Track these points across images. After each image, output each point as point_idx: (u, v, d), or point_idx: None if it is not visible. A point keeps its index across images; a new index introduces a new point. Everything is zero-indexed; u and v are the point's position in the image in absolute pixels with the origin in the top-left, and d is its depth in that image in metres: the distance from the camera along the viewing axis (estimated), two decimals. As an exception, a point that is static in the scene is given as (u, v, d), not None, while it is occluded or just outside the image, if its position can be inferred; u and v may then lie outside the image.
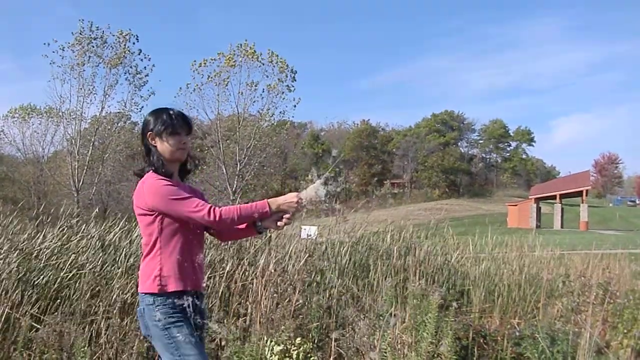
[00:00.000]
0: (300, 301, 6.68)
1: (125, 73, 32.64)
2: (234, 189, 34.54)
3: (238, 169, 35.29)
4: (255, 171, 37.98)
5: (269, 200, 3.63)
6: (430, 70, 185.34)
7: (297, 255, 7.60)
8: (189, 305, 3.49)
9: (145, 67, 33.18)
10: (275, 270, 6.90)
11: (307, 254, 7.68)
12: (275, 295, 6.66)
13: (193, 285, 3.63)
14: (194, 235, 3.68)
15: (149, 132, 3.70)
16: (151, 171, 3.65)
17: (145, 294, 3.56)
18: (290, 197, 3.63)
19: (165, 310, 3.50)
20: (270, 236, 8.44)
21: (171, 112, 3.72)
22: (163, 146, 3.67)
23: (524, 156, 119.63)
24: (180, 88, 35.40)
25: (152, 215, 3.55)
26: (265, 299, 6.62)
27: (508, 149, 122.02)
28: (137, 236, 7.70)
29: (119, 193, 44.52)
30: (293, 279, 6.86)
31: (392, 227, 9.05)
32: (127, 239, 7.64)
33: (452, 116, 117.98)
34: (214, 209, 3.45)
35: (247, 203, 3.66)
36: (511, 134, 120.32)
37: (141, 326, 3.66)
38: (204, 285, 3.94)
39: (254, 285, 6.58)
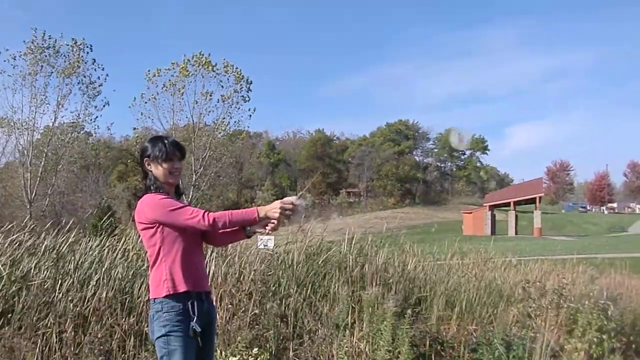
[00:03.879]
0: (257, 311, 6.63)
1: (78, 83, 32.17)
2: (189, 200, 34.24)
3: (194, 179, 35.03)
4: (211, 181, 37.80)
5: (257, 207, 3.93)
6: (388, 78, 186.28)
7: (253, 265, 7.55)
8: (192, 308, 3.86)
9: (99, 77, 32.77)
10: (229, 280, 6.85)
11: (263, 264, 7.64)
12: (230, 306, 6.60)
13: (197, 286, 3.95)
14: (193, 241, 4.02)
15: (146, 158, 4.07)
16: (149, 193, 3.99)
17: (155, 299, 3.90)
18: (276, 205, 3.89)
19: (170, 317, 3.83)
20: (227, 247, 8.38)
21: (166, 140, 4.11)
22: (158, 170, 4.04)
23: (478, 164, 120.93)
24: (135, 98, 35.04)
25: (153, 227, 3.90)
26: (221, 310, 6.56)
27: (462, 157, 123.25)
28: (91, 248, 7.59)
29: (73, 204, 43.93)
30: (249, 288, 6.81)
31: (349, 236, 9.02)
32: (78, 252, 7.51)
33: (407, 125, 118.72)
34: (207, 213, 3.77)
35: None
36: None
37: (149, 331, 3.99)
38: (209, 285, 4.23)
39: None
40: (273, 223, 3.95)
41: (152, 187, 4.00)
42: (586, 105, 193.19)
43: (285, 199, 3.89)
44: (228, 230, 4.01)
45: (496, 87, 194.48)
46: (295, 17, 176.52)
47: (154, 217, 3.87)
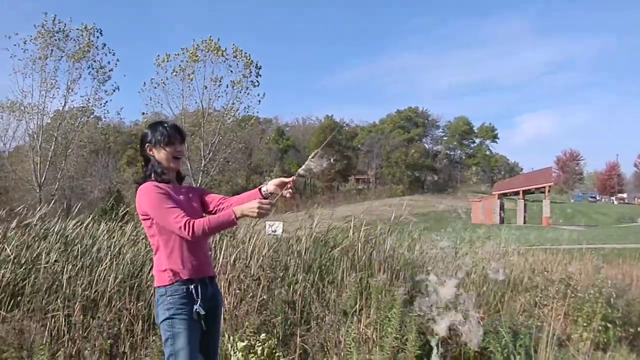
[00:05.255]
0: (265, 297, 6.66)
1: (88, 67, 32.30)
2: (198, 185, 34.30)
3: (203, 164, 35.12)
4: (220, 167, 37.84)
5: (234, 208, 3.86)
6: (396, 67, 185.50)
7: (261, 250, 7.58)
8: (196, 292, 3.91)
9: (109, 62, 32.89)
10: (237, 265, 6.88)
11: (272, 250, 7.67)
12: (238, 291, 6.63)
13: (199, 273, 3.99)
14: None
15: (147, 144, 4.10)
16: (149, 180, 4.01)
17: (159, 287, 3.96)
18: (254, 205, 3.79)
19: (174, 300, 3.88)
20: (234, 232, 8.42)
21: (165, 124, 4.13)
22: (160, 155, 4.07)
23: (487, 153, 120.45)
24: (145, 83, 35.08)
25: (149, 218, 3.93)
26: (229, 295, 6.59)
27: (472, 145, 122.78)
28: (100, 233, 7.63)
29: (82, 189, 44.05)
30: (257, 274, 6.84)
31: (357, 223, 9.04)
32: (87, 236, 7.55)
33: (417, 113, 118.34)
34: (188, 222, 3.74)
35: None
36: (475, 131, 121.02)
37: (155, 315, 4.04)
38: (213, 270, 4.23)
39: (219, 280, 6.54)
40: (291, 189, 3.99)
41: (154, 173, 4.03)
42: (596, 94, 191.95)
43: (264, 201, 3.82)
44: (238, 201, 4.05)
45: (505, 76, 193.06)
46: (304, 4, 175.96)
47: (145, 210, 3.90)
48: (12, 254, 6.48)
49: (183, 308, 3.87)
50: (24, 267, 6.38)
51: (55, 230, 7.61)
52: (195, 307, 3.88)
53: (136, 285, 6.52)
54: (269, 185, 4.05)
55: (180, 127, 4.23)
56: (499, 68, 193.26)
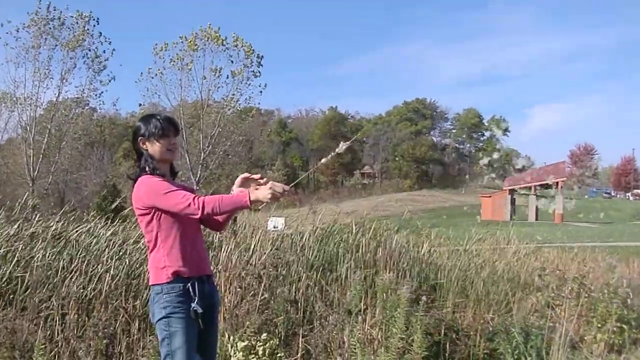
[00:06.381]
0: (266, 295, 6.67)
1: (83, 57, 32.07)
2: (197, 179, 34.32)
3: (202, 157, 35.04)
4: (220, 160, 37.70)
5: (249, 190, 3.83)
6: (402, 57, 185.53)
7: (263, 247, 7.59)
8: (193, 290, 3.92)
9: (105, 51, 32.67)
10: (239, 263, 6.88)
11: (274, 247, 7.68)
12: (239, 290, 6.64)
13: (197, 271, 4.00)
14: (191, 225, 4.03)
15: (140, 137, 4.07)
16: (144, 174, 3.99)
17: (154, 285, 3.95)
18: (267, 187, 3.75)
19: (171, 298, 3.88)
20: (235, 229, 8.43)
21: (158, 117, 4.11)
22: (154, 148, 4.05)
23: (498, 146, 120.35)
24: (142, 73, 34.98)
25: (150, 213, 3.91)
26: (229, 293, 6.60)
27: (482, 138, 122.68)
28: (97, 229, 7.64)
29: (77, 183, 44.06)
30: (258, 272, 6.85)
31: (362, 219, 9.05)
32: (82, 233, 7.56)
33: (424, 104, 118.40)
34: (197, 198, 3.74)
35: (214, 195, 3.93)
36: (485, 123, 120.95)
37: (150, 314, 4.05)
38: (211, 268, 4.26)
39: (217, 279, 6.55)
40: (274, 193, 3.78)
41: (147, 168, 4.01)
42: (612, 86, 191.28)
43: (277, 183, 3.79)
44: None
45: (515, 68, 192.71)
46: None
47: (149, 202, 3.88)
48: (2, 250, 6.48)
49: (180, 306, 3.87)
50: (17, 265, 6.37)
51: (50, 226, 7.61)
52: (192, 305, 3.89)
53: (133, 284, 6.53)
54: (235, 189, 4.03)
55: (174, 119, 4.25)
56: (510, 58, 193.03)
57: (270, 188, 3.72)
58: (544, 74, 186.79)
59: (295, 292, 6.91)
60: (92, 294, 6.22)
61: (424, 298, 6.25)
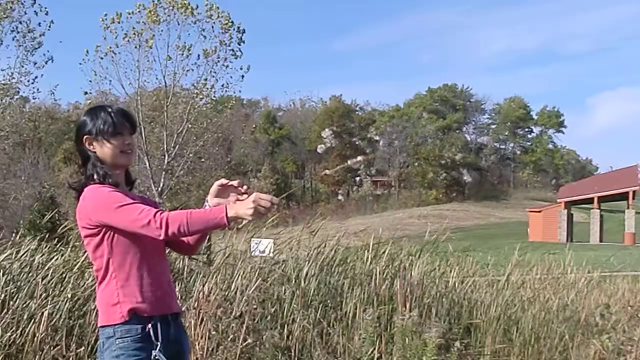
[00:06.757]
0: (250, 340, 6.67)
1: (12, 31, 32.12)
2: (160, 189, 34.28)
3: (166, 161, 35.01)
4: (189, 165, 37.74)
5: (227, 205, 3.69)
6: (427, 28, 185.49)
7: (246, 277, 7.58)
8: (155, 333, 3.78)
9: (40, 24, 32.66)
10: (215, 298, 6.88)
11: (260, 277, 7.67)
12: (214, 333, 6.64)
13: (160, 308, 3.88)
14: (153, 248, 3.91)
15: (85, 136, 3.95)
16: (91, 184, 3.88)
17: (105, 326, 3.82)
18: (250, 200, 3.62)
19: (126, 344, 3.75)
20: (209, 256, 8.44)
21: (109, 109, 4.00)
22: (103, 150, 3.93)
23: (550, 146, 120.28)
24: (87, 52, 34.97)
25: (99, 233, 3.79)
26: (202, 338, 6.60)
27: (529, 136, 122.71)
28: (28, 255, 7.63)
29: (3, 194, 44.06)
30: (240, 310, 6.84)
31: (375, 240, 9.05)
32: (17, 261, 7.56)
33: (455, 92, 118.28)
34: (160, 213, 3.59)
35: (182, 209, 3.78)
36: (534, 117, 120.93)
37: None
38: (178, 305, 4.16)
39: (187, 319, 6.55)
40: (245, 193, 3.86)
41: (95, 175, 3.90)
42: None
43: (263, 195, 3.65)
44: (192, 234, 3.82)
45: (577, 42, 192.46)
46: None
47: (98, 218, 3.75)
48: None
49: (138, 355, 3.75)
50: None
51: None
52: (154, 353, 3.76)
53: (78, 325, 6.52)
54: (210, 201, 3.94)
55: (129, 113, 4.16)
56: (569, 30, 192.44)
57: (253, 201, 3.58)
58: (614, 51, 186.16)
59: (287, 336, 6.91)
60: (22, 339, 6.21)
61: (456, 344, 6.25)
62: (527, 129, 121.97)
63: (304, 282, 7.77)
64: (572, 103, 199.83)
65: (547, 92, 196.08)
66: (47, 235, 9.35)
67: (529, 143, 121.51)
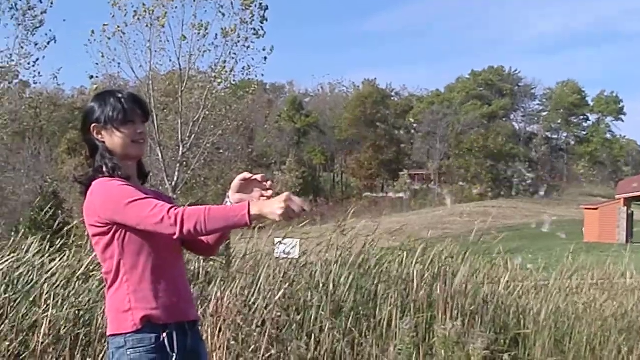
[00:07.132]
0: (273, 352, 6.68)
1: (10, 9, 32.27)
2: (174, 183, 34.30)
3: (181, 153, 34.97)
4: (207, 157, 37.75)
5: (251, 202, 3.60)
6: (468, 5, 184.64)
7: (270, 282, 7.59)
8: (171, 342, 3.72)
9: (41, 1, 32.88)
10: (234, 304, 6.89)
11: (284, 282, 7.68)
12: (234, 343, 6.66)
13: (176, 316, 3.83)
14: (168, 248, 3.86)
15: (93, 124, 3.90)
16: (100, 177, 3.82)
17: (115, 335, 3.76)
18: (280, 199, 3.51)
19: (139, 354, 3.70)
20: (228, 258, 8.45)
21: (119, 95, 3.97)
22: (113, 140, 3.89)
23: (608, 136, 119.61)
24: (93, 32, 35.04)
25: (109, 232, 3.73)
26: (221, 348, 6.61)
27: (585, 125, 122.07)
28: (29, 256, 7.68)
29: (1, 189, 44.34)
30: (262, 317, 6.86)
31: (413, 241, 9.06)
32: (16, 263, 7.60)
33: (501, 75, 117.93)
34: (175, 209, 3.53)
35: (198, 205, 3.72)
36: (590, 103, 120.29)
37: None
38: (196, 312, 4.14)
39: (203, 327, 6.57)
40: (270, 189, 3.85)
41: (105, 167, 3.85)
42: None
43: (295, 197, 3.53)
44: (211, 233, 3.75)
45: (639, 20, 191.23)
46: None
47: (108, 215, 3.69)
48: None
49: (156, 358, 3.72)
50: None
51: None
52: None
53: (84, 333, 6.55)
54: (232, 197, 3.92)
55: (141, 98, 4.13)
56: (628, 5, 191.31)
57: (285, 201, 3.48)
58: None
59: (315, 347, 6.92)
60: (23, 349, 6.25)
61: (504, 357, 6.25)
62: (582, 117, 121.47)
63: (333, 287, 7.77)
64: (633, 88, 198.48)
65: (604, 76, 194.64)
66: (49, 235, 9.37)
67: (584, 132, 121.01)
